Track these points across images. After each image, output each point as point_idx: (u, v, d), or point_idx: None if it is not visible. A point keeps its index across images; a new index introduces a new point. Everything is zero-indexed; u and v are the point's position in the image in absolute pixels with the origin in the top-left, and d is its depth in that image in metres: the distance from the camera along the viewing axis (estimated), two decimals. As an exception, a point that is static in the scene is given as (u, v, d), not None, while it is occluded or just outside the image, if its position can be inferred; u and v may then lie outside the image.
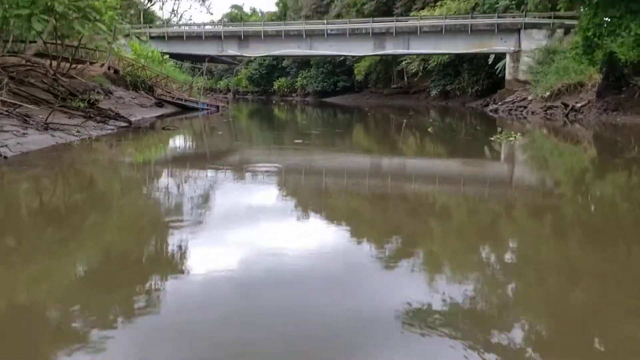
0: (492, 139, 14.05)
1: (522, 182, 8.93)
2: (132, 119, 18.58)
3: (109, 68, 28.65)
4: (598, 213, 6.57)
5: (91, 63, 28.59)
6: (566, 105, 22.76)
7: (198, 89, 34.93)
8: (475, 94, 41.70)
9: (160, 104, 25.61)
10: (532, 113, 24.94)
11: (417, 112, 33.83)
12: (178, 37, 39.52)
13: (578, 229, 5.80)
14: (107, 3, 14.58)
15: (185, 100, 27.29)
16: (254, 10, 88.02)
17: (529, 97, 27.05)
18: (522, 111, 25.96)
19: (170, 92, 28.10)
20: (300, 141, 14.69)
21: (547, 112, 23.97)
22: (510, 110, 26.93)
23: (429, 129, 17.60)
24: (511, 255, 4.87)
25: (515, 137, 13.63)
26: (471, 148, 13.80)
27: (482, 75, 41.27)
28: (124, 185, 8.19)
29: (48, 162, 9.45)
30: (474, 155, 12.50)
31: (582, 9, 19.86)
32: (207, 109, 28.24)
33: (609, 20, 18.98)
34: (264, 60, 68.15)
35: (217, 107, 29.36)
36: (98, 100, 16.82)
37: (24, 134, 10.71)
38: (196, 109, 27.31)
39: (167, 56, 31.43)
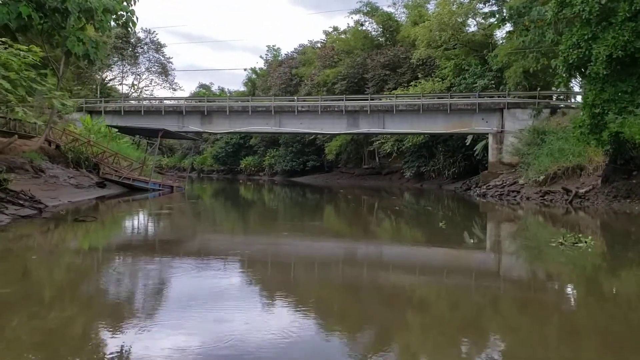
0: (553, 244, 9.60)
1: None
2: (56, 202, 14.99)
3: (49, 143, 25.27)
4: None
5: (28, 137, 25.18)
6: (567, 191, 20.16)
7: (160, 167, 31.71)
8: (452, 176, 39.49)
9: (102, 184, 22.08)
10: (527, 199, 22.29)
11: (392, 194, 31.21)
12: (135, 112, 36.61)
13: None
14: (22, 59, 11.35)
15: (134, 180, 23.81)
16: (222, 90, 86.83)
17: (520, 181, 24.55)
18: (515, 196, 23.32)
19: (117, 171, 24.61)
20: (263, 240, 11.30)
21: (545, 197, 21.35)
22: (501, 195, 24.27)
23: (442, 225, 13.34)
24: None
25: (586, 241, 9.55)
26: (553, 270, 8.35)
27: (459, 157, 39.25)
28: None
29: None
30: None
31: (587, 84, 17.67)
32: (160, 190, 24.76)
33: (618, 95, 16.77)
34: (231, 138, 65.69)
35: (172, 187, 25.87)
36: (8, 179, 13.23)
37: None
38: (146, 190, 23.82)
39: (117, 130, 28.10)
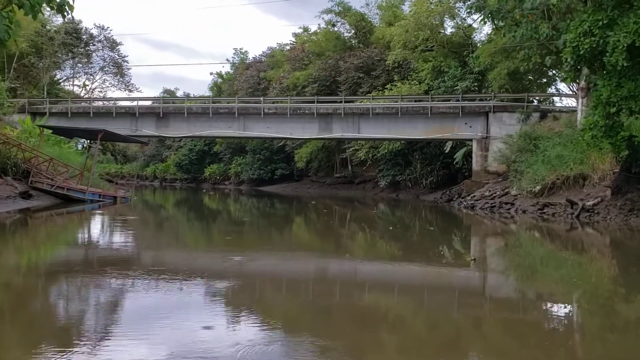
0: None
1: None
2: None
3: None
4: None
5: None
6: (573, 203, 17.60)
7: (100, 175, 28.17)
8: (430, 186, 37.01)
9: (26, 194, 18.60)
10: (523, 212, 19.69)
11: (368, 205, 28.69)
12: (84, 114, 32.97)
13: None
14: None
15: (68, 189, 20.32)
16: (187, 95, 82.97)
17: (512, 192, 21.97)
18: (508, 209, 20.70)
19: (52, 179, 21.09)
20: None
21: (544, 210, 18.78)
22: (492, 207, 21.63)
23: (470, 259, 9.60)
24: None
25: None
26: None
27: (437, 166, 36.80)
28: None
29: None
30: None
31: (600, 79, 15.09)
32: (100, 201, 21.31)
33: (639, 92, 14.24)
34: (195, 145, 62.18)
35: (115, 197, 22.43)
36: None
37: None
38: (84, 201, 20.38)
39: (51, 131, 24.51)
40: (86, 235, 13.05)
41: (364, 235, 15.45)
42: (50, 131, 23.79)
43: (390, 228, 16.12)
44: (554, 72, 33.60)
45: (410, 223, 18.98)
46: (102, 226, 15.33)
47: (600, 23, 14.56)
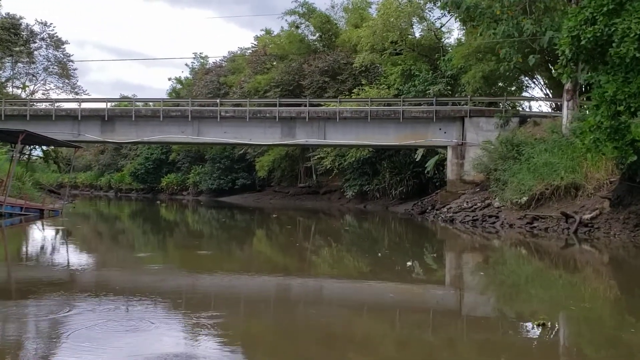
0: None
1: None
2: None
3: None
4: None
5: None
6: (568, 217, 15.57)
7: (40, 185, 25.05)
8: (399, 197, 34.96)
9: None
10: (510, 226, 17.58)
11: (332, 217, 26.64)
12: (19, 117, 29.52)
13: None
14: None
15: (-19, 202, 17.20)
16: (145, 103, 79.14)
17: (495, 204, 19.89)
18: (493, 223, 18.56)
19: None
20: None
21: (534, 225, 16.71)
22: (475, 220, 19.46)
23: (539, 322, 6.08)
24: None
25: None
26: None
27: (407, 175, 34.78)
28: None
29: None
30: None
31: (603, 75, 13.07)
32: (23, 214, 18.22)
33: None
34: (151, 153, 58.91)
35: (41, 210, 19.33)
36: None
37: None
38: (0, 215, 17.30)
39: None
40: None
41: (338, 260, 13.02)
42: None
43: (379, 255, 13.33)
44: (526, 78, 32.31)
45: (391, 242, 16.62)
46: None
47: (605, 9, 12.57)
